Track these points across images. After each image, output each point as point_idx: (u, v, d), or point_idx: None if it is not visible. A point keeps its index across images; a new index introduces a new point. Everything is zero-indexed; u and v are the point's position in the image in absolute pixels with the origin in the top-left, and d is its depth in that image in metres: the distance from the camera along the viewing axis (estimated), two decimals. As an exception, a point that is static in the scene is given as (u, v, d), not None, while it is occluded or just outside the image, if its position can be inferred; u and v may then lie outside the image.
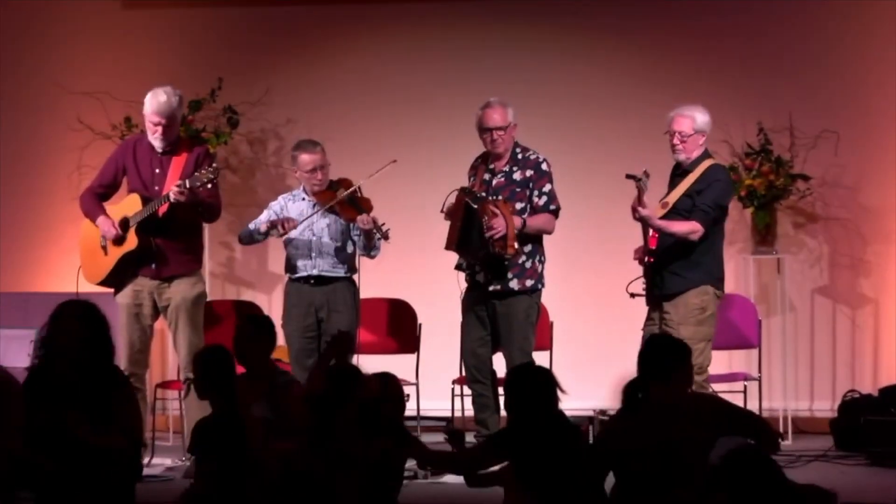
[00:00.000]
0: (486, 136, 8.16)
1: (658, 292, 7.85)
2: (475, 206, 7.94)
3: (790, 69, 9.77)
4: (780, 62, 9.78)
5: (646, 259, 7.84)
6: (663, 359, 6.00)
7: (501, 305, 8.10)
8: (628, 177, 7.75)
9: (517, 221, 7.98)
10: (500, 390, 8.25)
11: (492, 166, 8.22)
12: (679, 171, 7.95)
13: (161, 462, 8.44)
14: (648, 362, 6.03)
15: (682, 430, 5.87)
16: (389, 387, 6.14)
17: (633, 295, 7.91)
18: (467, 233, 8.03)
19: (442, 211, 8.17)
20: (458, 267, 8.24)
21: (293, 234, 8.25)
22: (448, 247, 8.14)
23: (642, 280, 7.88)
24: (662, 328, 7.82)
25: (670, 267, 7.81)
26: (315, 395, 6.11)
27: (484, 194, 8.07)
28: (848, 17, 9.74)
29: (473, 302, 8.20)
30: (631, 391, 6.03)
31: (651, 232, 7.82)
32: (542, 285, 8.19)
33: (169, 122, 8.13)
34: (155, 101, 8.13)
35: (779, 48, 9.80)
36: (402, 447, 6.11)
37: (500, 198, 8.03)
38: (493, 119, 8.13)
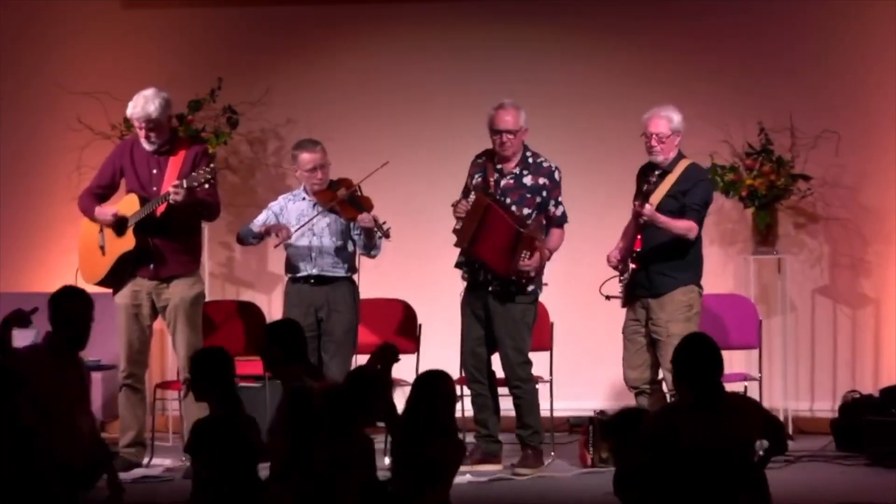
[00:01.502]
0: (496, 138, 8.15)
1: (645, 293, 7.89)
2: (521, 231, 7.92)
3: (790, 69, 9.76)
4: (780, 62, 9.78)
5: (630, 261, 7.89)
6: (714, 357, 5.94)
7: (499, 306, 8.11)
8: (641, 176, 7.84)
9: (546, 255, 8.05)
10: (499, 391, 8.32)
11: (500, 167, 8.22)
12: (658, 173, 7.98)
13: (161, 462, 8.43)
14: (707, 361, 5.95)
15: (742, 430, 5.83)
16: (441, 385, 6.12)
17: (608, 297, 7.96)
18: (480, 233, 8.02)
19: (453, 205, 8.18)
20: (459, 265, 8.25)
21: (294, 234, 8.26)
22: (460, 244, 8.13)
23: (616, 280, 7.94)
24: (651, 328, 7.87)
25: (659, 267, 7.87)
26: (332, 392, 6.09)
27: (509, 201, 8.06)
28: (848, 17, 9.73)
29: (472, 302, 8.21)
30: (705, 388, 5.93)
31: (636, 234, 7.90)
32: (541, 289, 8.21)
33: (152, 125, 8.12)
34: (131, 106, 8.16)
35: (779, 48, 9.80)
36: (458, 447, 6.13)
37: (531, 222, 8.03)
38: (505, 121, 8.12)
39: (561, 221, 8.23)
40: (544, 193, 8.16)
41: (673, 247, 7.86)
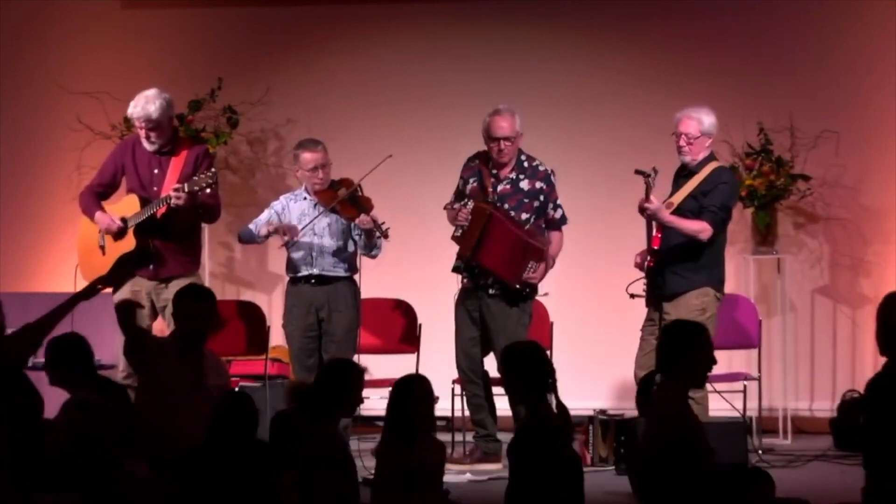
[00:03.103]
0: (494, 145, 8.14)
1: (659, 292, 7.85)
2: (529, 243, 7.94)
3: (790, 69, 9.76)
4: (780, 62, 9.78)
5: (647, 261, 7.85)
6: (670, 349, 5.91)
7: (496, 307, 8.10)
8: (637, 172, 7.79)
9: (550, 265, 8.05)
10: (493, 390, 8.30)
11: (495, 171, 8.20)
12: (685, 173, 7.96)
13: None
14: (658, 354, 5.95)
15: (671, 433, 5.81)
16: (418, 388, 6.08)
17: (633, 296, 7.92)
18: (484, 242, 8.01)
19: (445, 207, 8.17)
20: (456, 269, 8.24)
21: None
22: (463, 253, 8.11)
23: (643, 281, 7.89)
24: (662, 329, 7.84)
25: (673, 268, 7.82)
26: (304, 387, 6.08)
27: (507, 207, 8.06)
28: (848, 17, 9.73)
29: (467, 302, 8.19)
30: (642, 387, 5.95)
31: (654, 232, 7.83)
32: (536, 291, 8.21)
33: (152, 125, 8.12)
34: (132, 105, 8.16)
35: (779, 48, 9.80)
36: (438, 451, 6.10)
37: (529, 227, 8.05)
38: (502, 128, 8.10)
39: (560, 224, 8.22)
40: (542, 198, 8.15)
41: (688, 248, 7.79)
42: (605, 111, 9.89)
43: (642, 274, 7.90)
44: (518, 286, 8.03)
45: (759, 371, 8.96)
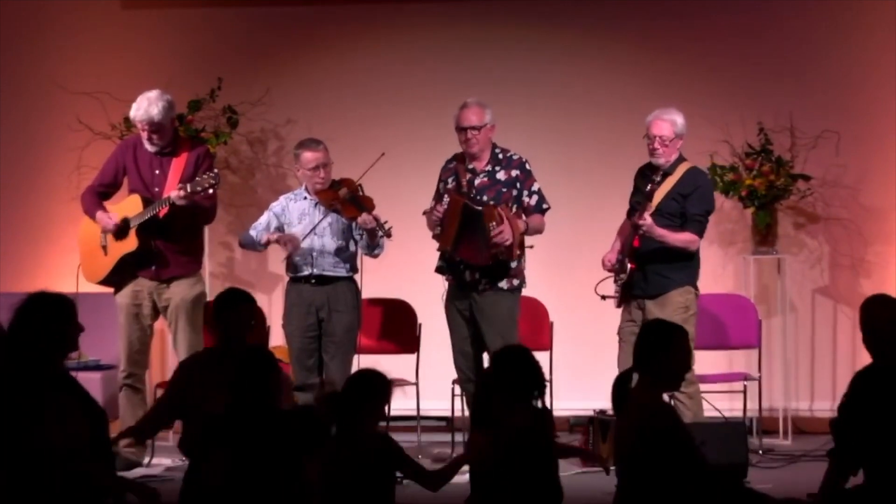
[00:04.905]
0: (461, 136, 8.19)
1: (640, 292, 7.90)
2: (479, 210, 7.94)
3: (790, 69, 9.76)
4: (780, 62, 9.78)
5: (627, 261, 7.91)
6: (646, 348, 5.94)
7: (484, 304, 8.09)
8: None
9: (521, 225, 8.00)
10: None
11: (471, 166, 8.23)
12: (658, 174, 7.98)
13: (161, 462, 8.44)
14: (635, 352, 5.96)
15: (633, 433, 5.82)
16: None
17: (603, 297, 7.96)
18: (463, 235, 8.02)
19: (425, 213, 8.20)
20: (439, 270, 8.25)
21: (296, 230, 8.26)
22: (443, 247, 8.13)
23: (614, 283, 7.95)
24: (647, 329, 7.89)
25: (655, 267, 7.89)
26: (335, 395, 6.07)
27: (486, 199, 8.07)
28: (848, 18, 9.73)
29: (457, 301, 8.18)
30: (618, 385, 5.98)
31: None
32: (525, 284, 8.22)
33: (154, 128, 8.13)
34: (135, 107, 8.17)
35: (779, 48, 9.80)
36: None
37: (500, 204, 8.04)
38: (469, 119, 8.15)
39: (537, 210, 8.19)
40: (518, 185, 8.16)
41: (668, 248, 7.86)
42: (605, 111, 9.88)
43: (610, 274, 7.97)
44: (494, 256, 7.94)
45: (760, 371, 8.96)
